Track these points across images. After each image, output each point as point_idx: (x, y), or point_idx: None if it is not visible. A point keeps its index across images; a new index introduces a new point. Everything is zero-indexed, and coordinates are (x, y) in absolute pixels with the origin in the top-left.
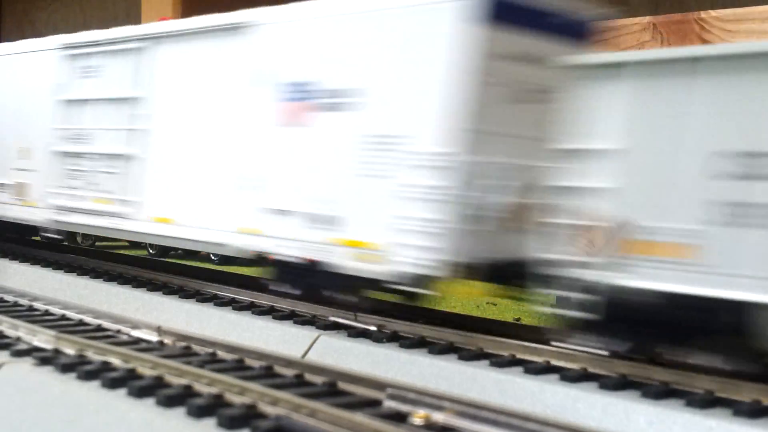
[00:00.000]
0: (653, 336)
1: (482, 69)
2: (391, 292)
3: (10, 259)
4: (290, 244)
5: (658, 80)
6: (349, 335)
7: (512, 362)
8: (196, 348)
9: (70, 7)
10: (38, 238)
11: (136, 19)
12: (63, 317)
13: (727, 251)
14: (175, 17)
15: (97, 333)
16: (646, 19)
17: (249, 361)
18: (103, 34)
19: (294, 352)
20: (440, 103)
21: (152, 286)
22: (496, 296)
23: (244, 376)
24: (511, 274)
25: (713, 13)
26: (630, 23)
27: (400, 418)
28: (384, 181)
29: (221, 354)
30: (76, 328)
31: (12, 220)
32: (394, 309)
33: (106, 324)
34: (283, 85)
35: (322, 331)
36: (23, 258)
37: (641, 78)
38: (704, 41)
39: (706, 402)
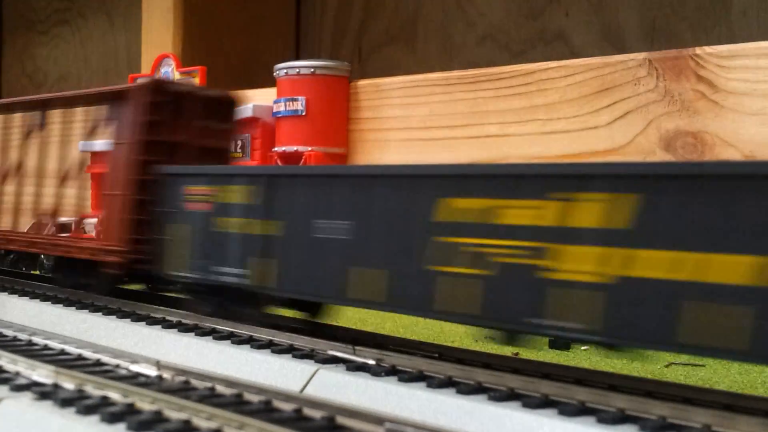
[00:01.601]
0: None
1: None
2: None
3: (9, 293)
4: None
5: None
6: (348, 369)
7: (510, 396)
8: (194, 382)
9: (71, 42)
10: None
11: (136, 54)
12: (62, 352)
13: None
14: (175, 52)
15: (96, 367)
16: (642, 55)
17: (248, 396)
18: None
19: (292, 386)
20: None
21: (150, 320)
22: None
23: (242, 410)
24: None
25: (708, 49)
26: (625, 59)
27: None
28: None
29: (220, 388)
30: (75, 362)
31: None
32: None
33: (104, 358)
34: None
35: (320, 365)
36: (22, 292)
37: None
38: (699, 77)
39: None
